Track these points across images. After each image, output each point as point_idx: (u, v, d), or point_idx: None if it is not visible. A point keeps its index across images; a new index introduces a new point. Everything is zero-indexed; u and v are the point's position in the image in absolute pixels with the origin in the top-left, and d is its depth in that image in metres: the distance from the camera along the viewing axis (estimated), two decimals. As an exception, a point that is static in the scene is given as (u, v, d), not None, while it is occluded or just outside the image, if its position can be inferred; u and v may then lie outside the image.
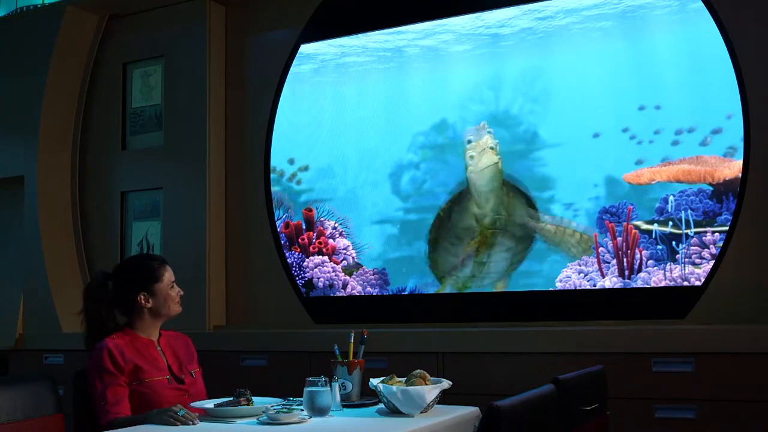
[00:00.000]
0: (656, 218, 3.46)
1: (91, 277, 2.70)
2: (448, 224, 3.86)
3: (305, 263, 4.24)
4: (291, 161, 4.33)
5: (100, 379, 2.43)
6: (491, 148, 3.74)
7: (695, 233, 3.37)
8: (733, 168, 3.32)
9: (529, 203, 3.69)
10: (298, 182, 4.30)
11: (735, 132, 3.31)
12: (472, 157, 3.76)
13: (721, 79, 3.35)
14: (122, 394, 2.43)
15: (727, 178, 3.33)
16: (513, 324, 3.69)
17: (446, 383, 2.37)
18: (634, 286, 3.48)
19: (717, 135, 3.35)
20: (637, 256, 3.48)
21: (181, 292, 2.67)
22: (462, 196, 3.85)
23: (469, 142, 3.79)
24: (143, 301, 2.59)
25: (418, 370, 2.42)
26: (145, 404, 2.45)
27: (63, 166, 4.77)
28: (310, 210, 4.25)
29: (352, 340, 2.63)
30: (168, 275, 2.65)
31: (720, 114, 3.35)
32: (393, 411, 2.31)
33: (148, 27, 4.70)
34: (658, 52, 3.52)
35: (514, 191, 3.72)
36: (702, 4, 3.42)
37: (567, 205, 3.64)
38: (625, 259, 3.51)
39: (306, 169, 4.30)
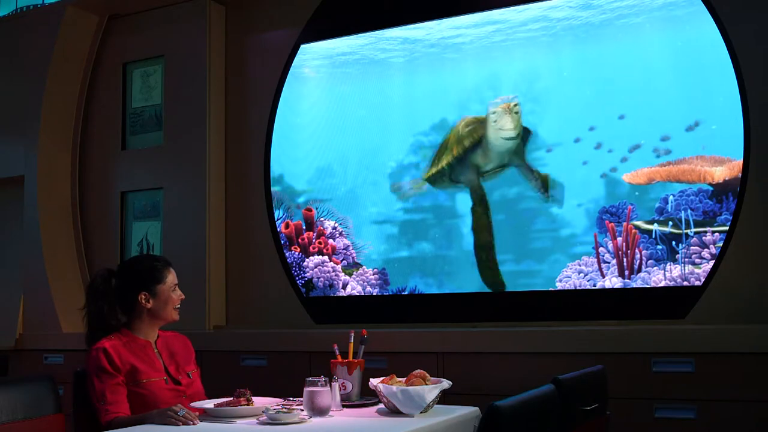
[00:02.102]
0: (656, 218, 3.46)
1: (95, 274, 2.70)
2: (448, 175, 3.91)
3: (305, 263, 4.24)
4: None
5: (99, 379, 2.44)
6: (515, 113, 3.71)
7: (695, 233, 3.37)
8: (733, 168, 3.32)
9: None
10: None
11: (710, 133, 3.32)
12: (495, 120, 3.74)
13: (720, 79, 3.36)
14: (121, 392, 2.44)
15: (727, 178, 3.33)
16: (513, 324, 3.69)
17: (446, 383, 2.37)
18: (634, 286, 3.48)
19: (711, 135, 3.36)
20: (637, 256, 3.48)
21: (183, 297, 2.67)
22: (474, 148, 3.86)
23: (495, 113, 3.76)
24: (143, 302, 2.59)
25: (418, 370, 2.42)
26: (143, 405, 2.45)
27: (63, 166, 4.77)
28: (310, 210, 4.26)
29: (352, 340, 2.63)
30: (171, 277, 2.65)
31: (719, 114, 3.36)
32: (393, 411, 2.31)
33: (148, 27, 4.70)
34: (660, 51, 3.52)
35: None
36: (702, 5, 3.42)
37: (567, 204, 3.64)
38: (625, 259, 3.51)
39: None
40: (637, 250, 3.48)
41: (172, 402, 2.45)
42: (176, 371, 2.59)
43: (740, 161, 3.31)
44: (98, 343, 2.50)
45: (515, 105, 3.71)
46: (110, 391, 2.42)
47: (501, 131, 3.75)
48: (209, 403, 2.39)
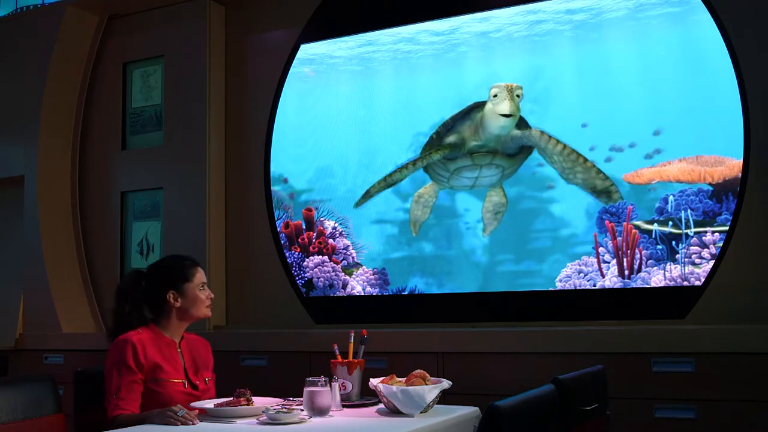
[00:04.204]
0: (656, 218, 3.46)
1: (124, 276, 2.73)
2: (438, 143, 3.90)
3: (305, 263, 4.24)
4: None
5: (119, 371, 2.45)
6: (517, 95, 3.70)
7: (695, 233, 3.37)
8: (733, 168, 3.32)
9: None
10: None
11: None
12: (495, 95, 3.73)
13: (720, 79, 3.36)
14: (135, 390, 2.45)
15: (727, 178, 3.33)
16: (513, 324, 3.69)
17: (446, 383, 2.37)
18: (634, 286, 3.48)
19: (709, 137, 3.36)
20: (637, 256, 3.48)
21: (212, 296, 2.70)
22: (464, 118, 3.85)
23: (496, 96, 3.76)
24: (172, 300, 2.61)
25: (418, 370, 2.42)
26: (156, 404, 2.46)
27: (63, 166, 4.77)
28: (310, 210, 4.26)
29: (352, 340, 2.63)
30: (199, 276, 2.67)
31: (719, 114, 3.36)
32: (393, 411, 2.31)
33: (148, 27, 4.70)
34: (660, 51, 3.52)
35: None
36: (702, 5, 3.42)
37: (567, 204, 3.64)
38: (625, 259, 3.51)
39: None
40: (637, 250, 3.48)
41: (185, 405, 2.46)
42: (195, 375, 2.60)
43: (740, 161, 3.31)
44: (126, 335, 2.51)
45: (518, 87, 3.70)
46: (126, 387, 2.43)
47: (498, 106, 3.73)
48: (209, 403, 2.39)
